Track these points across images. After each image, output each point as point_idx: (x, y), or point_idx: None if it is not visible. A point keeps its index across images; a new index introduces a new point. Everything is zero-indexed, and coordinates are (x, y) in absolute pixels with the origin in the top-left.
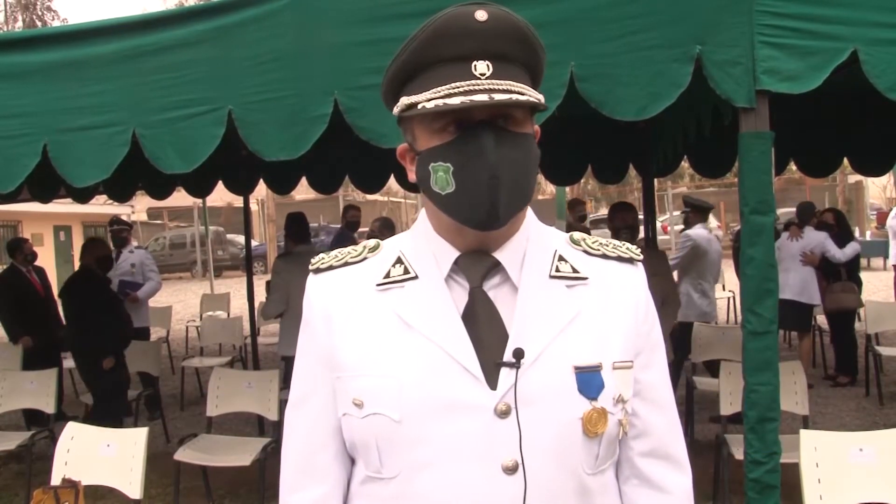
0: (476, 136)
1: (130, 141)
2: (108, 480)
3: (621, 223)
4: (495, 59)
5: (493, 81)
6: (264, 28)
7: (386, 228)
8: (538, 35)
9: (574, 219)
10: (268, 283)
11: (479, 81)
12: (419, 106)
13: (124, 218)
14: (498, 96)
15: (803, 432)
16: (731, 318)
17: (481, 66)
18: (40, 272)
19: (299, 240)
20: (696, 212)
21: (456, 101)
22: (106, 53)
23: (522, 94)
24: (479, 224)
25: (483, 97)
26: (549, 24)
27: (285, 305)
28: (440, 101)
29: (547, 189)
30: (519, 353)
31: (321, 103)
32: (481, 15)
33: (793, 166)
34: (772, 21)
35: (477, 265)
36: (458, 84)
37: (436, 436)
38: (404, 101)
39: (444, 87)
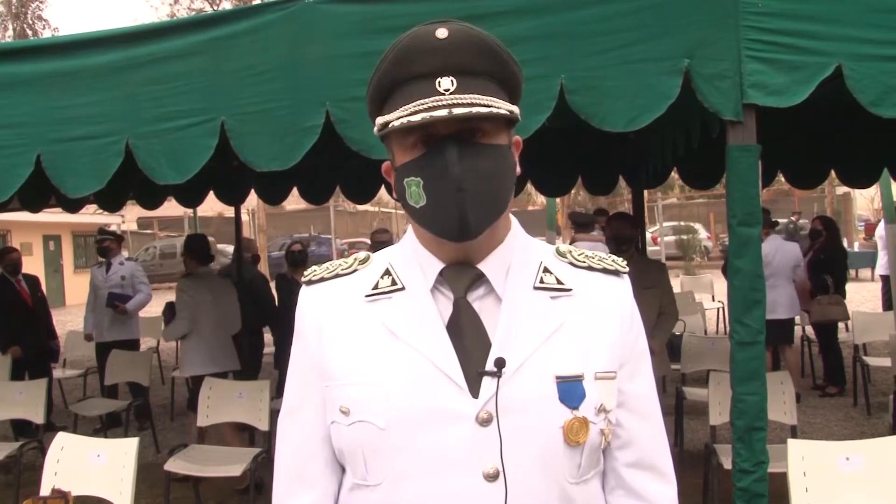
0: (440, 150)
1: (124, 151)
2: (98, 491)
3: (609, 233)
4: (460, 75)
5: (457, 96)
6: (257, 40)
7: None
8: (506, 47)
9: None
10: (168, 304)
11: (442, 97)
12: (390, 125)
13: (113, 228)
14: (458, 110)
15: (791, 441)
16: (719, 328)
17: (445, 82)
18: (32, 281)
19: (202, 261)
20: (578, 227)
21: (417, 117)
22: (99, 64)
23: (488, 106)
24: (452, 236)
25: (443, 112)
26: (539, 38)
27: (192, 326)
28: (405, 119)
29: (538, 200)
30: (500, 363)
31: (313, 114)
32: (441, 32)
33: (782, 178)
34: (758, 36)
35: (462, 276)
36: (422, 101)
37: (420, 444)
38: (379, 120)
39: (410, 105)
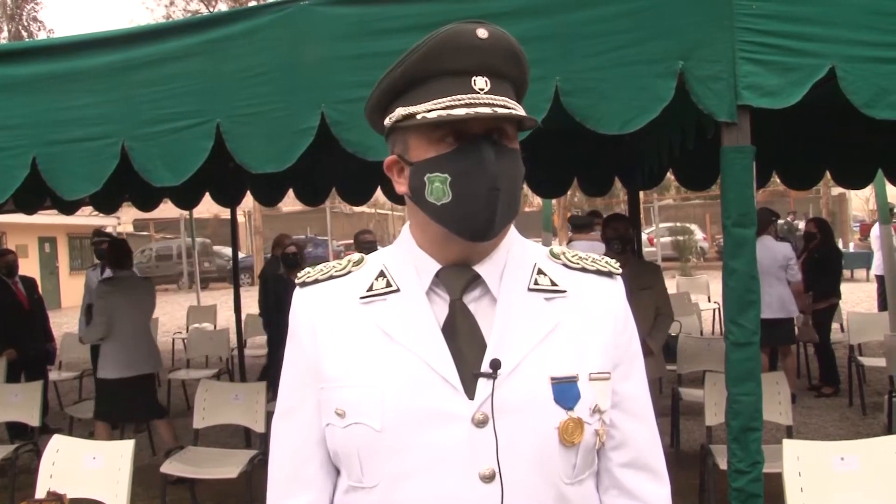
0: (477, 148)
1: (120, 153)
2: (94, 493)
3: (612, 234)
4: (492, 76)
5: (492, 96)
6: (253, 42)
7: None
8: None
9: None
10: (88, 306)
11: (478, 95)
12: (419, 116)
13: (109, 230)
14: (499, 110)
15: (786, 442)
16: (715, 329)
17: (480, 82)
18: (29, 283)
19: (120, 265)
20: (577, 229)
21: (460, 112)
22: (95, 66)
23: (517, 109)
24: (473, 234)
25: (487, 110)
26: (534, 40)
27: (108, 330)
28: (443, 112)
29: (534, 201)
30: (496, 364)
31: (308, 116)
32: (482, 32)
33: (776, 178)
34: (753, 38)
35: (457, 278)
36: (459, 97)
37: (416, 445)
38: (401, 111)
39: (445, 99)
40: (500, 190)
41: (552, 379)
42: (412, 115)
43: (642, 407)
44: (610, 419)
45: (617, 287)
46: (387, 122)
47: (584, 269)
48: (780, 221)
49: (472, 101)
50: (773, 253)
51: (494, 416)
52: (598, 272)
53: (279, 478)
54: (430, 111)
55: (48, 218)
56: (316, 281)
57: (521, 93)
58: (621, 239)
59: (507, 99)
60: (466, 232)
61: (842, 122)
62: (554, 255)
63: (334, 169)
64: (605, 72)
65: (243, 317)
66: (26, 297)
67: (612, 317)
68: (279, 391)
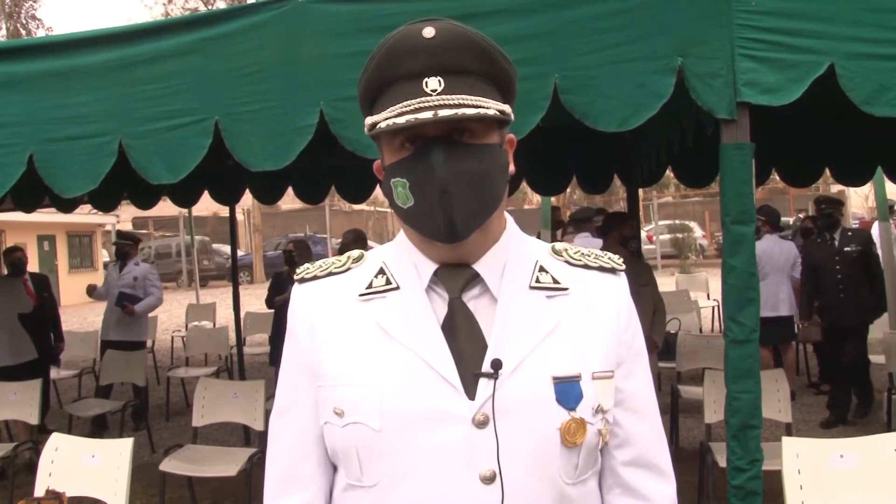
0: (426, 152)
1: (117, 151)
2: (92, 492)
3: (631, 233)
4: (448, 74)
5: (444, 97)
6: (251, 39)
7: (360, 241)
8: (495, 44)
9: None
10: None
11: (428, 98)
12: (377, 126)
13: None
14: (444, 112)
15: (785, 439)
16: (714, 326)
17: (432, 83)
18: (40, 281)
19: None
20: (577, 224)
21: (402, 119)
22: (93, 64)
23: (477, 106)
24: (440, 237)
25: (428, 114)
26: (532, 37)
27: None
28: (391, 121)
29: (533, 199)
30: (497, 364)
31: (307, 114)
32: (428, 31)
33: (776, 176)
34: (752, 34)
35: (456, 276)
36: (409, 102)
37: (415, 445)
38: (367, 121)
39: (397, 106)
40: (451, 193)
41: (554, 379)
42: (375, 125)
43: (646, 404)
44: (613, 417)
45: (620, 283)
46: (365, 131)
47: (586, 266)
48: (790, 219)
49: (420, 104)
50: (786, 250)
51: (495, 417)
52: (601, 269)
53: (275, 476)
54: (385, 120)
55: (47, 216)
56: (315, 277)
57: (502, 83)
58: (636, 238)
59: (464, 97)
60: (434, 234)
61: (841, 119)
62: (556, 252)
63: (333, 167)
64: (603, 69)
65: (242, 315)
66: (35, 294)
67: (616, 314)
68: (277, 388)
